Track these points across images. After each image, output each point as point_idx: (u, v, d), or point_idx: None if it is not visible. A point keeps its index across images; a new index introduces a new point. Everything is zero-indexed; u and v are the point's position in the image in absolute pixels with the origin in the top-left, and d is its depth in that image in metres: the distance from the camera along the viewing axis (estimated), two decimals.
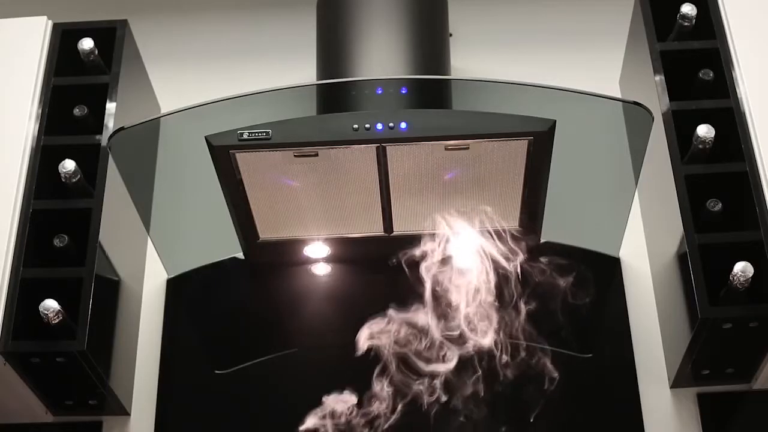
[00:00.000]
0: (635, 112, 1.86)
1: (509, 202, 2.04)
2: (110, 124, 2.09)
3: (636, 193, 2.10)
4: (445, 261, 2.05)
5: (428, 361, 1.97)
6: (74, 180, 2.01)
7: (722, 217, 1.95)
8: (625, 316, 2.16)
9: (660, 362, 2.12)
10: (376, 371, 1.96)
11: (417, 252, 2.02)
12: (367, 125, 1.87)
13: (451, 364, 1.97)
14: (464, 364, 2.05)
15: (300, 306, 2.22)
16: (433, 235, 2.05)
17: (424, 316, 1.97)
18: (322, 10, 2.31)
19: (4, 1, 2.46)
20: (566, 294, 2.08)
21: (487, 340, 1.99)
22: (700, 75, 2.06)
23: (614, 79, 2.42)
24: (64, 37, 2.19)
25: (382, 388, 1.97)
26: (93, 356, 1.91)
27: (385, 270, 2.10)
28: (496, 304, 2.00)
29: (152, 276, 2.28)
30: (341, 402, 1.99)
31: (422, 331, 1.98)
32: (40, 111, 2.10)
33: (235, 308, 2.26)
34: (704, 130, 1.96)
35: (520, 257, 1.97)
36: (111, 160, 2.01)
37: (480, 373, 2.07)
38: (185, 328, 2.24)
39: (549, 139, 1.88)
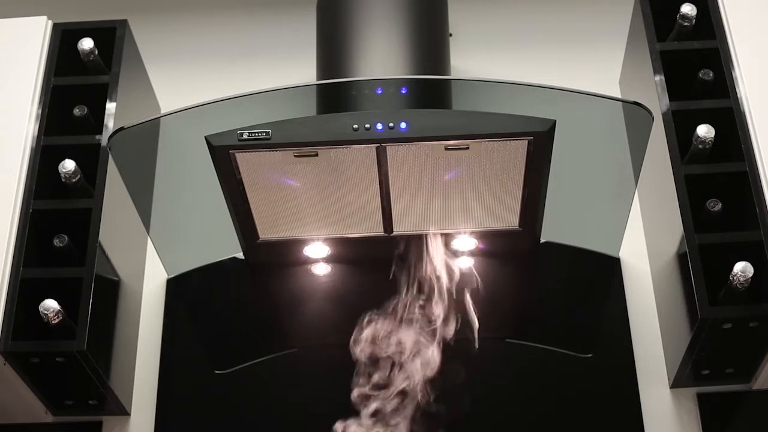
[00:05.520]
0: (635, 112, 1.86)
1: (509, 202, 2.04)
2: (110, 124, 2.09)
3: (636, 193, 2.10)
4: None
5: None
6: (74, 180, 2.01)
7: (722, 217, 1.95)
8: (625, 315, 2.16)
9: (660, 362, 2.12)
10: None
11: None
12: (367, 125, 1.87)
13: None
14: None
15: (300, 306, 2.22)
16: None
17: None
18: (322, 10, 2.31)
19: (4, 1, 2.47)
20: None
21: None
22: (700, 75, 2.06)
23: (614, 79, 2.42)
24: (64, 37, 2.19)
25: None
26: (93, 356, 1.91)
27: (385, 270, 2.11)
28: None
29: (152, 276, 2.28)
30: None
31: None
32: (40, 111, 2.10)
33: (235, 308, 2.25)
34: (704, 130, 1.96)
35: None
36: (111, 160, 2.01)
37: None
38: (185, 328, 2.24)
39: (549, 139, 1.88)
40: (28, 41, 2.16)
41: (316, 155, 1.90)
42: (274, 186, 1.99)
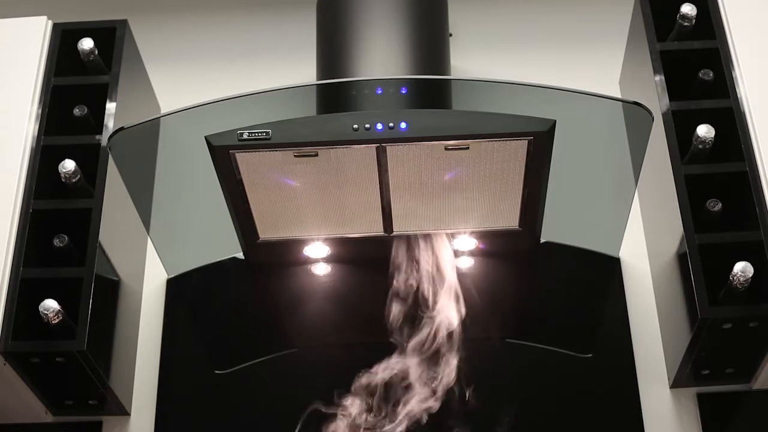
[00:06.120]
0: (635, 112, 1.86)
1: (509, 202, 2.04)
2: (110, 124, 2.09)
3: (636, 193, 2.10)
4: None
5: None
6: (74, 180, 2.01)
7: (722, 217, 1.95)
8: (625, 315, 2.16)
9: (660, 362, 2.12)
10: None
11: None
12: (367, 125, 1.87)
13: None
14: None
15: (300, 306, 2.22)
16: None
17: None
18: (322, 10, 2.31)
19: (4, 1, 2.47)
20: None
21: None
22: (700, 75, 2.06)
23: (614, 79, 2.42)
24: (64, 37, 2.19)
25: None
26: (93, 356, 1.91)
27: (385, 270, 2.11)
28: None
29: (152, 276, 2.28)
30: None
31: None
32: (40, 111, 2.10)
33: (235, 308, 2.25)
34: (704, 130, 1.96)
35: None
36: (111, 160, 2.01)
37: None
38: (185, 328, 2.24)
39: (549, 139, 1.88)
40: (28, 41, 2.16)
41: (316, 155, 1.90)
42: (274, 186, 1.99)
